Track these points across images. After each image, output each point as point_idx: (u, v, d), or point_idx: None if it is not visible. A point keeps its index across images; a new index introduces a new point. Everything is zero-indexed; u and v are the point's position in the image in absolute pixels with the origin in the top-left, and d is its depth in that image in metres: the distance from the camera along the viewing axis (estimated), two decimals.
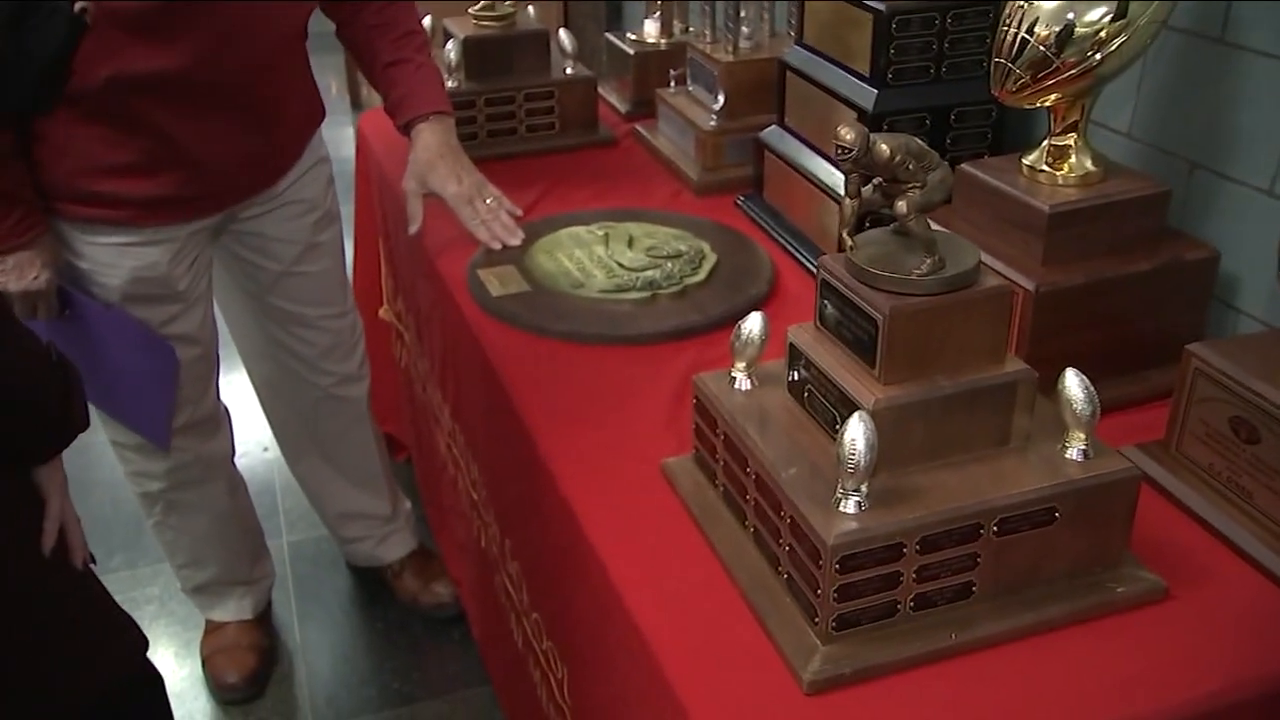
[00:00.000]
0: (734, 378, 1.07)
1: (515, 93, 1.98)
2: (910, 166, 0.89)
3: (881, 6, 1.40)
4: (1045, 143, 1.26)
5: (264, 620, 2.02)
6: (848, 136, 0.88)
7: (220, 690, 1.93)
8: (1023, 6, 1.18)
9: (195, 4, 1.34)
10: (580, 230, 1.65)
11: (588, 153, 2.03)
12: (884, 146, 0.88)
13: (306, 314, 1.78)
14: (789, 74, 1.63)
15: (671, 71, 2.00)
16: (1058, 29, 1.16)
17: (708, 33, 1.91)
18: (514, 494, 1.40)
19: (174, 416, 1.63)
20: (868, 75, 1.46)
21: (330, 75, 5.07)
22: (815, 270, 1.45)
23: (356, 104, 4.83)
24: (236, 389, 1.98)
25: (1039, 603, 0.95)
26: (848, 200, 0.94)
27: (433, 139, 1.63)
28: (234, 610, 1.96)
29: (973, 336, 0.93)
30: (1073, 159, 1.25)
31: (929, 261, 0.90)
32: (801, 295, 1.51)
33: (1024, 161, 1.27)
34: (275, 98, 1.52)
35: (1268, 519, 1.02)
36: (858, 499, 0.89)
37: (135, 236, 1.49)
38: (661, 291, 1.47)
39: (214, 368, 1.73)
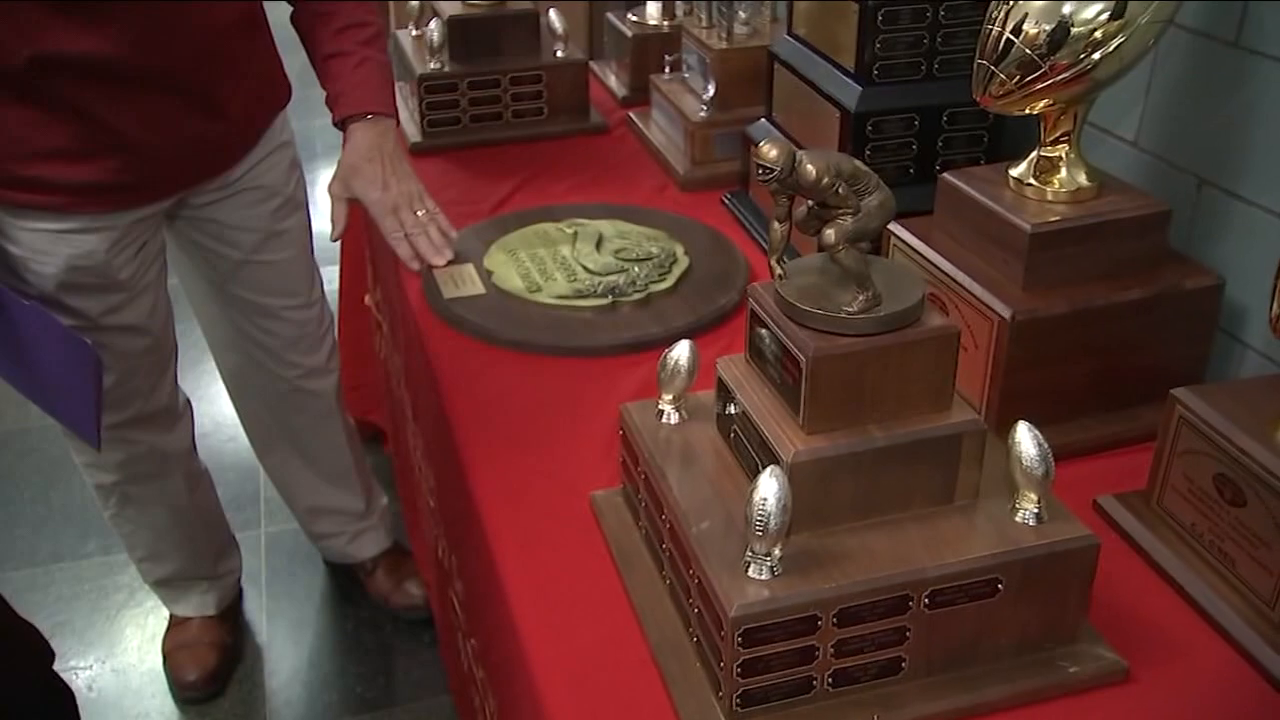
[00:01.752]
0: (661, 410, 0.97)
1: (501, 76, 1.88)
2: (840, 190, 0.78)
3: None
4: (1034, 153, 1.14)
5: (228, 616, 1.96)
6: (770, 154, 0.78)
7: (180, 688, 1.87)
8: (1009, 2, 1.06)
9: None
10: (549, 227, 1.56)
11: (577, 140, 1.93)
12: (810, 167, 0.77)
13: (269, 304, 1.70)
14: (777, 66, 1.52)
15: (666, 57, 1.89)
16: (1049, 28, 1.04)
17: (703, 17, 1.79)
18: (452, 512, 1.32)
19: (107, 414, 1.54)
20: (853, 71, 1.34)
21: None
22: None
23: None
24: (214, 374, 1.91)
25: (978, 682, 0.84)
26: (775, 224, 0.84)
27: (362, 141, 1.52)
28: (196, 606, 1.90)
29: (912, 382, 0.82)
30: (1063, 172, 1.13)
31: (861, 298, 0.80)
32: None
33: (1011, 174, 1.15)
34: (221, 82, 1.44)
35: (1250, 591, 0.91)
36: (768, 564, 0.79)
37: (70, 223, 1.41)
38: (623, 299, 1.38)
39: (169, 359, 1.66)
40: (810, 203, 0.83)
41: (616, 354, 1.30)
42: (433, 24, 1.87)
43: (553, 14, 1.92)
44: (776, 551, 0.79)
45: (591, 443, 1.17)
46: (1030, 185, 1.13)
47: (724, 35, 1.72)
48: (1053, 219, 1.09)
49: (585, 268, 1.44)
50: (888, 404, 0.83)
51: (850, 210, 0.79)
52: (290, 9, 1.56)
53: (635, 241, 1.51)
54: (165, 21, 1.31)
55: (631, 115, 1.96)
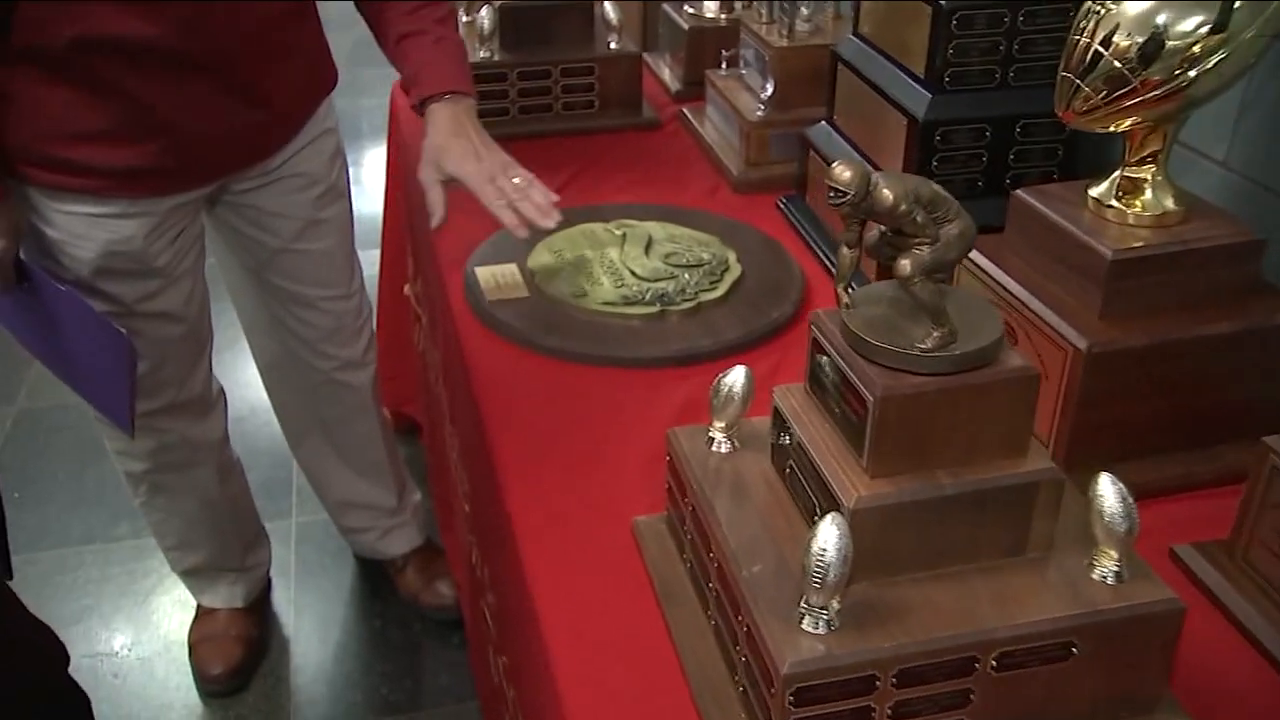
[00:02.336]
0: (711, 437, 0.91)
1: (552, 67, 1.83)
2: (919, 218, 0.72)
3: (944, 1, 1.22)
4: (1117, 173, 1.07)
5: (256, 609, 1.93)
6: (843, 176, 0.71)
7: (204, 681, 1.85)
8: (1099, 11, 0.99)
9: None
10: (597, 227, 1.50)
11: (628, 135, 1.87)
12: (886, 192, 0.71)
13: (307, 294, 1.66)
14: (840, 67, 1.45)
15: (724, 52, 1.83)
16: (1141, 40, 0.97)
17: (763, 11, 1.73)
18: (486, 524, 1.27)
19: (138, 402, 1.51)
20: (922, 77, 1.27)
21: None
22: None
23: None
24: (250, 358, 1.87)
25: None
26: (844, 250, 0.78)
27: (446, 120, 1.46)
28: (224, 597, 1.87)
29: (986, 425, 0.76)
30: (1148, 194, 1.05)
31: (936, 334, 0.74)
32: None
33: (1090, 194, 1.08)
34: (269, 68, 1.39)
35: None
36: (825, 617, 0.73)
37: (109, 208, 1.38)
38: (672, 308, 1.32)
39: (204, 347, 1.62)
40: (882, 227, 0.77)
41: (663, 366, 1.25)
42: (484, 11, 1.81)
43: (607, 4, 1.87)
44: (834, 604, 0.73)
45: (634, 462, 1.11)
46: (1111, 207, 1.06)
47: (785, 32, 1.66)
48: (1135, 245, 1.02)
49: (633, 272, 1.39)
50: (958, 448, 0.76)
51: (928, 240, 0.73)
52: None
53: (686, 246, 1.45)
54: (215, 7, 1.27)
55: (685, 111, 1.90)
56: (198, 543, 1.79)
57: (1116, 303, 1.02)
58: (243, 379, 2.43)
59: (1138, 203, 1.06)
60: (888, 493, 0.75)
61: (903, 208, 0.71)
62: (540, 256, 1.43)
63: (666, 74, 2.08)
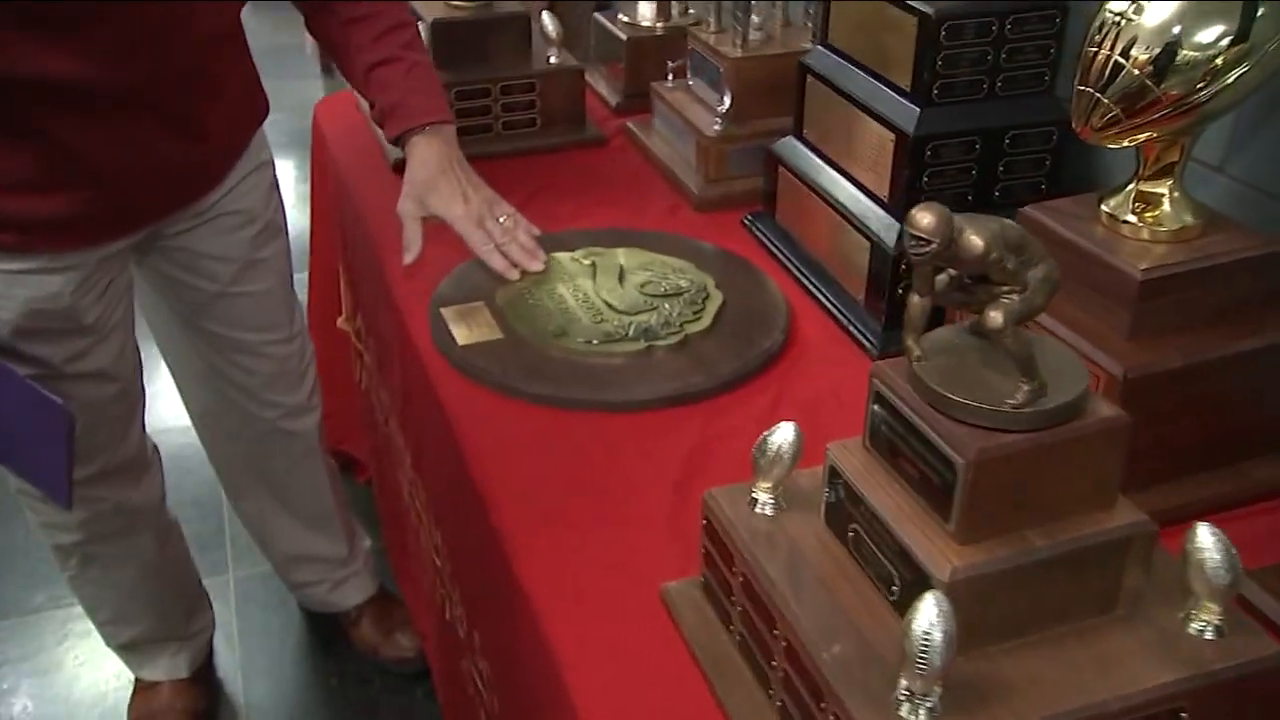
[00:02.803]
0: (754, 498, 0.85)
1: (491, 84, 1.73)
2: (1009, 265, 0.66)
3: (929, 9, 1.17)
4: (1132, 187, 1.03)
5: (201, 678, 1.79)
6: (926, 223, 0.65)
7: None
8: (1118, 22, 0.95)
9: (84, 3, 1.09)
10: (564, 258, 1.42)
11: (573, 153, 1.79)
12: (976, 239, 0.65)
13: (247, 339, 1.55)
14: (810, 79, 1.39)
15: (669, 63, 1.76)
16: (1161, 52, 0.93)
17: (711, 20, 1.66)
18: (480, 587, 1.18)
19: (75, 470, 1.38)
20: (908, 90, 1.22)
21: (301, 32, 4.76)
22: (837, 316, 1.22)
23: (327, 69, 4.53)
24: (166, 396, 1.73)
25: None
26: (915, 299, 0.72)
27: (431, 153, 1.38)
28: (166, 669, 1.74)
29: (1075, 480, 0.71)
30: (1165, 208, 1.02)
31: (1027, 388, 0.68)
32: (822, 347, 1.29)
33: (1104, 208, 1.04)
34: (202, 101, 1.28)
35: None
36: (926, 704, 0.67)
37: (30, 263, 1.25)
38: (658, 342, 1.24)
39: (136, 405, 1.49)
40: (952, 271, 0.71)
41: (658, 408, 1.17)
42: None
43: (546, 16, 1.78)
44: (937, 689, 0.67)
45: (646, 517, 1.04)
46: (1127, 222, 1.02)
47: (738, 42, 1.59)
48: (1164, 263, 0.98)
49: (610, 306, 1.31)
50: (1048, 506, 0.71)
51: (1017, 287, 0.67)
52: (301, 16, 1.40)
53: (660, 273, 1.37)
54: (141, 36, 1.15)
55: (630, 125, 1.83)
56: (136, 614, 1.65)
57: (1145, 324, 0.98)
58: (163, 420, 2.28)
59: (1155, 217, 1.02)
60: (982, 561, 0.69)
61: (993, 255, 0.65)
62: (509, 293, 1.34)
63: (603, 86, 2.00)
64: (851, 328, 1.30)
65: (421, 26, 1.70)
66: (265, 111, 1.48)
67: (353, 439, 2.08)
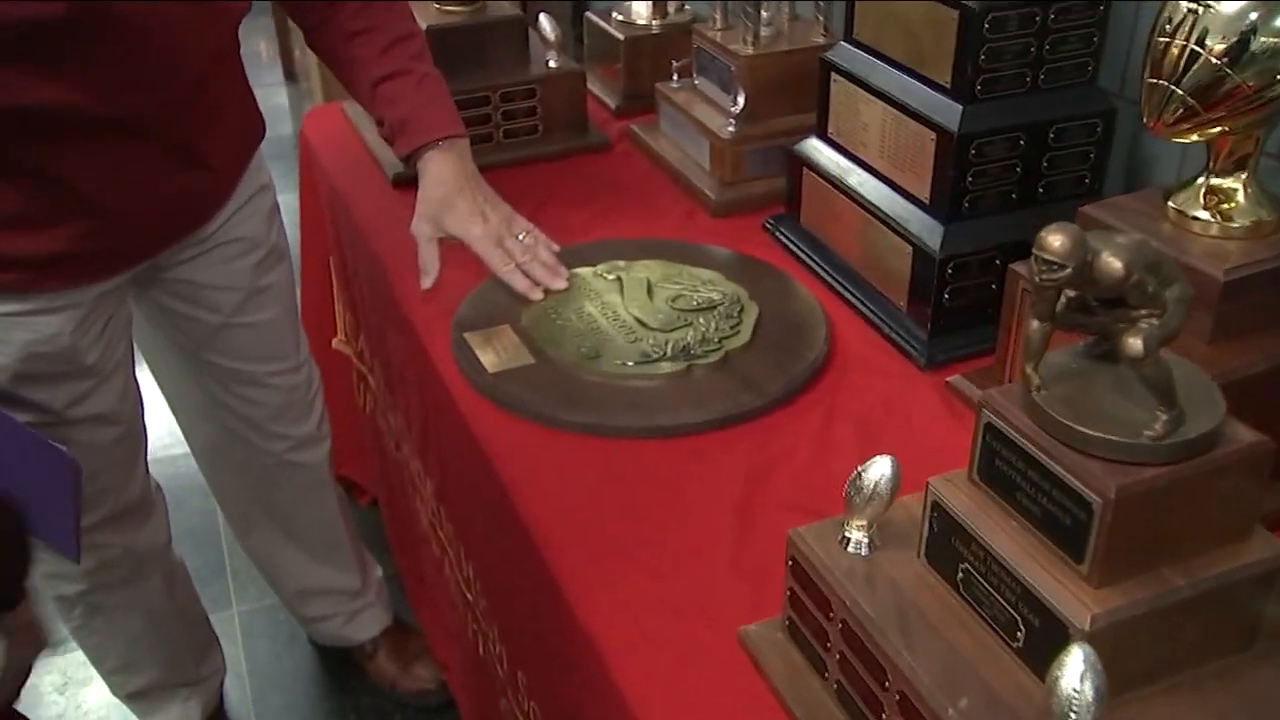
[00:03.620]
0: (847, 537, 0.79)
1: (489, 92, 1.66)
2: (1150, 287, 0.61)
3: (973, 2, 1.11)
4: (1202, 181, 0.99)
5: None
6: (1059, 246, 0.60)
7: None
8: (1194, 10, 0.90)
9: (81, 21, 1.01)
10: (587, 273, 1.35)
11: (578, 160, 1.72)
12: (1114, 262, 0.60)
13: (252, 371, 1.48)
14: (834, 77, 1.34)
15: (674, 63, 1.69)
16: (1234, 40, 0.89)
17: (717, 17, 1.60)
18: (528, 627, 1.12)
19: (83, 518, 1.31)
20: (949, 86, 1.17)
21: (260, 38, 4.65)
22: (878, 324, 1.17)
23: (290, 75, 4.43)
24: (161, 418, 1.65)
25: None
26: (1035, 324, 0.66)
27: (446, 170, 1.31)
28: (178, 716, 1.66)
29: (1214, 511, 0.66)
30: (1240, 202, 0.98)
31: (1166, 418, 0.63)
32: (866, 357, 1.24)
33: (1171, 204, 1.00)
34: (200, 127, 1.20)
35: None
36: None
37: (27, 304, 1.18)
38: (699, 361, 1.19)
39: (139, 446, 1.42)
40: (1071, 292, 0.66)
41: (708, 430, 1.12)
42: None
43: (544, 19, 1.71)
44: None
45: (711, 551, 0.98)
46: (1197, 219, 0.98)
47: (749, 39, 1.54)
48: (1246, 261, 0.94)
49: (643, 323, 1.25)
50: (1185, 541, 0.66)
51: (1156, 310, 0.62)
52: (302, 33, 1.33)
53: (690, 285, 1.32)
54: (137, 61, 1.08)
55: (634, 128, 1.76)
56: (144, 662, 1.58)
57: (1226, 326, 0.94)
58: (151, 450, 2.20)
59: (1228, 213, 0.98)
60: (1122, 605, 0.64)
61: (1134, 278, 0.60)
62: (533, 313, 1.28)
63: (599, 89, 1.94)
64: (895, 336, 1.25)
65: None
66: (262, 132, 1.41)
67: (353, 463, 2.01)
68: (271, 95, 4.30)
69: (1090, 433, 0.64)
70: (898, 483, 0.77)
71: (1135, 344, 0.61)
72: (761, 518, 1.01)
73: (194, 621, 1.65)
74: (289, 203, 1.71)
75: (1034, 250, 0.61)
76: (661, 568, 0.97)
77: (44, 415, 1.24)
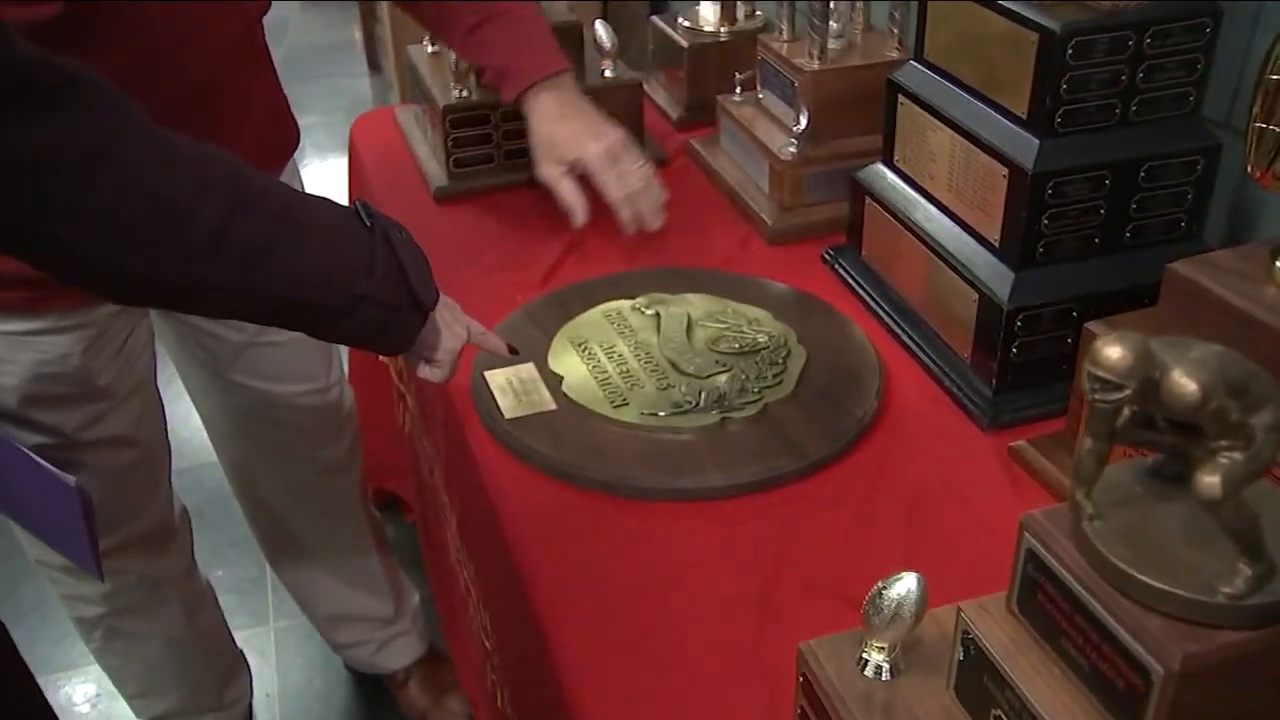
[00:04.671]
0: (864, 659, 0.68)
1: None
2: (1233, 416, 0.49)
3: (1054, 25, 0.98)
4: None
5: None
6: (1117, 360, 0.48)
7: None
8: None
9: (80, 21, 0.95)
10: (624, 306, 1.26)
11: None
12: (1187, 384, 0.48)
13: (279, 391, 1.41)
14: (902, 99, 1.22)
15: (737, 75, 1.58)
16: None
17: (784, 27, 1.49)
18: (532, 698, 1.03)
19: (100, 541, 1.26)
20: (1025, 116, 1.04)
21: (353, 26, 4.64)
22: (938, 375, 1.06)
23: (374, 64, 4.40)
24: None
25: None
26: (1089, 443, 0.55)
27: (550, 104, 1.26)
28: None
29: None
30: None
31: (1249, 572, 0.51)
32: (920, 412, 1.12)
33: (1279, 264, 0.86)
34: (222, 128, 1.13)
35: None
36: None
37: (36, 323, 1.12)
38: (733, 415, 1.08)
39: (160, 469, 1.36)
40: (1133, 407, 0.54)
41: (736, 495, 1.01)
42: None
43: (599, 26, 1.62)
44: None
45: (726, 644, 0.88)
46: None
47: (815, 52, 1.42)
48: None
49: (677, 367, 1.15)
50: (1264, 715, 0.54)
51: (1239, 443, 0.50)
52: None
53: (734, 325, 1.21)
54: (147, 58, 1.01)
55: (694, 143, 1.66)
56: (164, 689, 1.53)
57: None
58: (199, 445, 2.17)
59: None
60: None
61: (1212, 405, 0.48)
62: (564, 352, 1.19)
63: (662, 98, 1.83)
64: (956, 390, 1.13)
65: None
66: (295, 142, 1.34)
67: (398, 478, 1.95)
68: (356, 86, 4.29)
69: (1153, 583, 0.52)
70: (924, 603, 0.66)
71: (1211, 484, 0.49)
72: (787, 605, 0.91)
73: (218, 649, 1.60)
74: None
75: (1087, 365, 0.50)
76: (669, 659, 0.87)
77: (55, 438, 1.19)
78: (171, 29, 1.04)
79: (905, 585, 0.65)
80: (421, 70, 1.66)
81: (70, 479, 1.08)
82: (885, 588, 0.66)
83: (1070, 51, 0.99)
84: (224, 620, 1.61)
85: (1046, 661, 0.59)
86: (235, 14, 1.11)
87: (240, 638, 1.71)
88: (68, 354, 1.16)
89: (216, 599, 1.58)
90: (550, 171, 1.26)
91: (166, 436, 1.37)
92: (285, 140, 1.31)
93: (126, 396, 1.24)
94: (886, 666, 0.67)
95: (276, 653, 1.89)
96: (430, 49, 1.71)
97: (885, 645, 0.67)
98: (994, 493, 1.02)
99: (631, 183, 1.25)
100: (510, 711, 1.17)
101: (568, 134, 1.24)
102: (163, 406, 1.35)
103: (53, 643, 1.92)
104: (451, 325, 0.99)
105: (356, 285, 0.85)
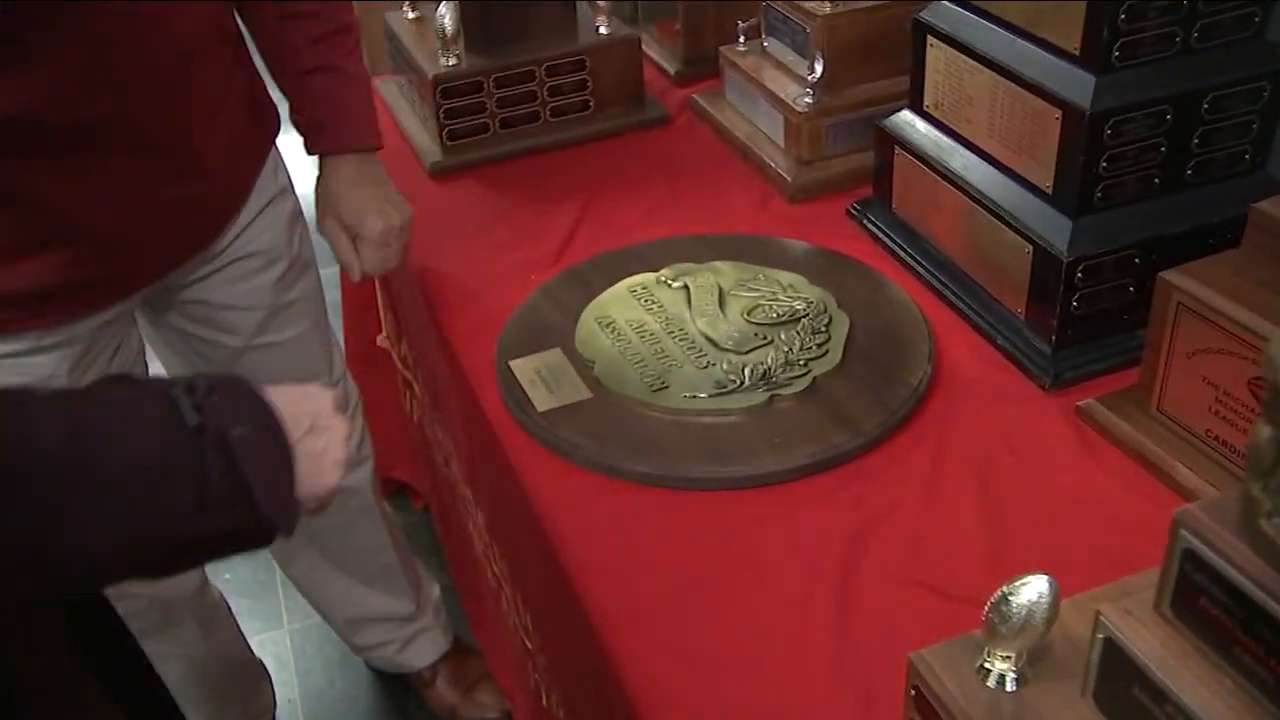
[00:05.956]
0: (987, 668, 0.62)
1: (534, 66, 1.48)
2: None
3: None
4: None
5: None
6: None
7: None
8: None
9: (30, 18, 0.86)
10: (648, 279, 1.18)
11: (634, 137, 1.54)
12: None
13: None
14: (932, 40, 1.14)
15: (740, 23, 1.50)
16: None
17: None
18: (589, 704, 0.97)
19: None
20: (1078, 52, 0.97)
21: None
22: (990, 334, 1.00)
23: None
24: None
25: None
26: (1267, 431, 0.48)
27: (350, 168, 1.19)
28: None
29: None
30: None
31: None
32: (977, 375, 1.05)
33: None
34: (189, 130, 1.05)
35: None
36: None
37: (15, 344, 1.04)
38: (782, 391, 1.01)
39: None
40: None
41: (794, 479, 0.95)
42: (442, 7, 1.46)
43: None
44: None
45: (802, 647, 0.81)
46: None
47: None
48: None
49: (714, 342, 1.08)
50: None
51: None
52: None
53: (768, 293, 1.14)
54: (98, 59, 0.92)
55: (697, 98, 1.57)
56: (187, 709, 1.45)
57: None
58: None
59: None
60: None
61: None
62: (592, 334, 1.11)
63: (656, 52, 1.74)
64: (1011, 349, 1.06)
65: (447, 6, 1.45)
66: (276, 128, 1.24)
67: (405, 465, 1.88)
68: None
69: None
70: (1056, 609, 0.59)
71: None
72: (866, 596, 0.84)
73: (237, 662, 1.53)
74: None
75: (1267, 349, 0.43)
76: (741, 664, 0.80)
77: None
78: (133, 20, 0.95)
79: (1035, 590, 0.58)
80: (404, 39, 1.57)
81: None
82: (1011, 593, 0.59)
83: None
84: (239, 630, 1.54)
85: (1214, 672, 0.53)
86: (189, 6, 1.02)
87: (256, 644, 1.64)
88: (53, 374, 1.07)
89: (230, 610, 1.51)
90: (330, 226, 1.21)
91: None
92: (264, 129, 1.22)
93: None
94: (1014, 676, 0.61)
95: (294, 656, 1.82)
96: (411, 15, 1.62)
97: (1012, 654, 0.61)
98: (1067, 458, 0.95)
99: (387, 265, 1.22)
100: (562, 714, 1.11)
101: (355, 200, 1.18)
102: None
103: None
104: (322, 461, 0.72)
105: (178, 532, 0.63)
